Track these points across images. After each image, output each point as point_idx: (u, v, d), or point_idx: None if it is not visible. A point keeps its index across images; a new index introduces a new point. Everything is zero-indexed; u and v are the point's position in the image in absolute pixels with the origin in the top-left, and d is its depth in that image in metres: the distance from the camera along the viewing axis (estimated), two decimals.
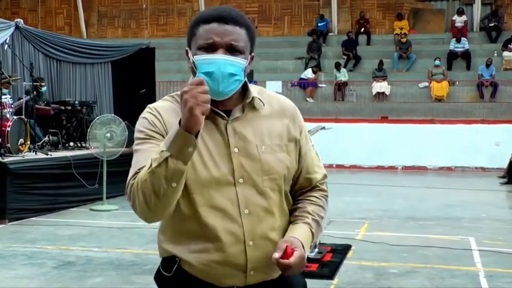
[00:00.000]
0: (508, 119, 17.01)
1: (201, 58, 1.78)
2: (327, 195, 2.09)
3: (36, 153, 10.05)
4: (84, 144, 11.69)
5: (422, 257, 6.85)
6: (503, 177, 14.49)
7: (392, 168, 17.42)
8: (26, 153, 9.82)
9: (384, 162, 17.24)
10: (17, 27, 12.37)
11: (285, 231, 1.93)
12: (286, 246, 1.81)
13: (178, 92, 1.79)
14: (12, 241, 7.49)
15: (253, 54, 1.90)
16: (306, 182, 2.03)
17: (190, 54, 1.87)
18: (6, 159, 8.93)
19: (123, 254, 6.84)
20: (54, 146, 11.39)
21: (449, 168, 17.27)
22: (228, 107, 1.87)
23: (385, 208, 10.26)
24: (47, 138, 11.41)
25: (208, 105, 1.64)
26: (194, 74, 1.81)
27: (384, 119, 17.89)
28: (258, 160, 1.85)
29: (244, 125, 1.87)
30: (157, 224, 1.97)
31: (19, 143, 9.73)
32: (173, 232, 1.91)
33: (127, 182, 1.78)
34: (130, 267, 6.23)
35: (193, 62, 1.81)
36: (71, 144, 12.14)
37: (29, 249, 7.04)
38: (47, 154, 10.18)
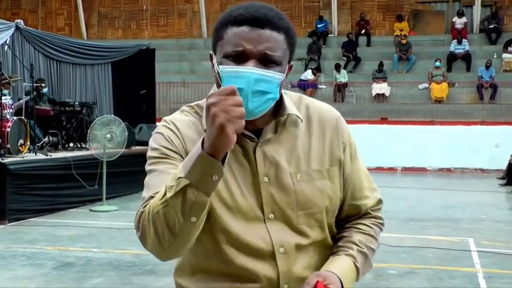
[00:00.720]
0: (508, 120, 17.01)
1: (228, 70, 1.41)
2: (381, 223, 1.71)
3: (36, 154, 10.06)
4: (84, 145, 11.69)
5: (421, 258, 6.85)
6: (502, 178, 14.48)
7: (391, 169, 17.43)
8: (26, 154, 9.81)
9: (383, 163, 17.23)
10: (17, 28, 12.38)
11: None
12: (317, 281, 1.46)
13: (200, 102, 1.58)
14: (12, 242, 7.48)
15: (292, 63, 1.56)
16: (353, 209, 1.65)
17: (214, 61, 1.50)
18: (6, 160, 8.92)
19: (122, 254, 6.84)
20: (54, 147, 11.39)
21: (448, 170, 17.28)
22: (258, 125, 1.50)
23: (384, 209, 10.08)
24: (46, 139, 11.41)
25: (243, 122, 1.29)
26: (218, 86, 1.45)
27: (384, 120, 17.91)
28: (292, 191, 1.49)
29: (277, 148, 1.52)
30: None
31: (19, 144, 9.73)
32: (192, 269, 1.56)
33: (137, 210, 1.44)
34: (130, 268, 6.22)
35: (218, 73, 1.45)
36: (71, 145, 12.14)
37: (28, 250, 7.03)
38: (47, 155, 10.19)
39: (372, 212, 1.68)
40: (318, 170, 1.54)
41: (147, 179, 1.50)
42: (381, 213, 1.71)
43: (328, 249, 1.59)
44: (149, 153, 1.52)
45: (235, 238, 1.47)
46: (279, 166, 1.51)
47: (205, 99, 1.45)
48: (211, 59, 1.52)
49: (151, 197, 1.40)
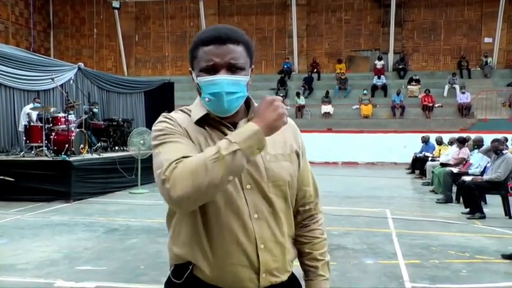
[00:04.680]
0: (412, 130, 17.14)
1: (205, 80, 1.31)
2: (321, 219, 1.57)
3: (92, 154, 9.99)
4: (125, 148, 11.61)
5: (354, 223, 6.87)
6: (408, 169, 14.62)
7: (335, 163, 17.49)
8: (85, 154, 9.74)
9: (329, 159, 17.31)
10: (79, 68, 12.39)
11: (291, 239, 1.45)
12: None
13: (190, 107, 1.44)
14: (75, 214, 7.42)
15: (253, 66, 1.40)
16: (301, 193, 1.51)
17: (194, 75, 1.37)
18: (71, 159, 8.84)
19: (152, 223, 6.80)
20: (104, 149, 11.35)
21: (373, 163, 17.38)
22: (235, 120, 1.38)
23: (329, 190, 10.28)
24: (99, 143, 11.36)
25: (283, 125, 1.24)
26: (199, 93, 1.37)
27: (329, 130, 17.96)
28: (263, 168, 1.36)
29: None
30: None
31: (80, 147, 9.67)
32: (187, 236, 1.36)
33: (166, 165, 1.22)
34: (157, 232, 6.20)
35: (198, 84, 1.35)
36: (116, 148, 12.07)
37: (86, 220, 6.98)
38: (99, 155, 10.13)
39: (315, 209, 1.54)
40: (282, 154, 1.41)
41: (163, 149, 1.28)
42: (320, 206, 1.58)
43: (291, 219, 1.44)
44: (156, 134, 1.33)
45: (222, 205, 1.31)
46: None
47: (192, 105, 1.42)
48: (191, 74, 1.39)
49: (184, 157, 1.22)
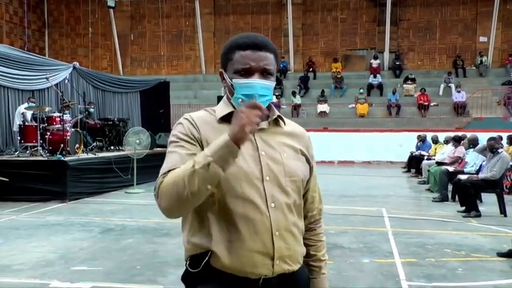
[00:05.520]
0: (408, 128, 17.20)
1: (240, 82, 1.41)
2: (322, 222, 1.70)
3: (87, 154, 9.93)
4: (120, 148, 11.58)
5: (350, 222, 6.89)
6: (404, 167, 14.66)
7: (331, 162, 17.51)
8: (80, 154, 9.70)
9: (325, 158, 17.31)
10: (74, 68, 12.34)
11: (302, 233, 1.53)
12: None
13: (214, 108, 1.52)
14: (71, 214, 7.39)
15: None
16: (310, 199, 1.61)
17: (226, 76, 1.47)
18: (67, 158, 8.79)
19: (147, 222, 6.77)
20: (100, 149, 11.30)
21: (369, 162, 17.42)
22: None
23: (326, 189, 10.27)
24: (95, 143, 11.31)
25: (257, 126, 1.29)
26: (231, 93, 1.46)
27: (325, 129, 17.99)
28: (281, 163, 1.45)
29: (269, 136, 1.48)
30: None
31: (75, 147, 9.63)
32: (206, 227, 1.42)
33: (158, 179, 1.36)
34: (152, 232, 6.17)
35: (232, 85, 1.43)
36: (112, 147, 12.03)
37: (82, 220, 6.95)
38: (95, 154, 10.08)
39: (321, 215, 1.67)
40: (295, 154, 1.52)
41: (168, 157, 1.42)
42: (322, 214, 1.68)
43: (302, 217, 1.53)
44: (171, 138, 1.46)
45: (240, 193, 1.39)
46: (271, 146, 1.47)
47: (217, 105, 1.51)
48: (222, 75, 1.49)
49: (169, 171, 1.34)
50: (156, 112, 14.75)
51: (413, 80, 20.15)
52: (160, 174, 1.36)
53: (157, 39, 23.89)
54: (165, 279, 4.29)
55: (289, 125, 1.58)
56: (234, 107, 1.45)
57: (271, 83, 1.43)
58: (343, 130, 17.70)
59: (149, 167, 9.68)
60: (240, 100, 1.40)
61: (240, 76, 1.41)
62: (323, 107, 19.31)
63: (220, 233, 1.39)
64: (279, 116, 1.52)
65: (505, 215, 7.40)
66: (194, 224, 1.45)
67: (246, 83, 1.40)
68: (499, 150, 7.64)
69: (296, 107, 19.50)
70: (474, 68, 20.93)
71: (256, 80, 1.39)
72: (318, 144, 18.20)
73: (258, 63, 1.41)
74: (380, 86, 20.28)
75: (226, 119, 1.44)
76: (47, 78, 10.14)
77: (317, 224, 1.65)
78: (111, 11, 22.63)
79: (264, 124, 1.47)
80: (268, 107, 1.50)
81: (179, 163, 1.35)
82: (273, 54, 1.46)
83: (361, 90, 19.40)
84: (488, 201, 8.24)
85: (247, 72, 1.41)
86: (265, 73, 1.42)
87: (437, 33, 21.83)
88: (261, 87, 1.39)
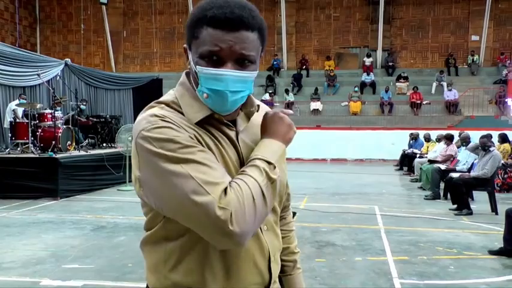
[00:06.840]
0: (400, 127, 17.26)
1: (206, 72, 1.03)
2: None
3: (79, 151, 9.87)
4: (113, 145, 11.52)
5: (343, 220, 6.89)
6: (396, 165, 14.70)
7: (323, 160, 17.55)
8: (72, 151, 9.63)
9: (318, 156, 17.36)
10: (66, 64, 12.26)
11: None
12: None
13: (171, 99, 1.12)
14: (62, 212, 7.33)
15: (262, 54, 1.12)
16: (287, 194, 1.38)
17: (190, 57, 1.09)
18: (58, 155, 8.72)
19: (139, 220, 6.72)
20: (92, 146, 11.22)
21: (361, 160, 17.47)
22: (234, 116, 1.14)
23: (318, 187, 10.32)
24: (87, 140, 11.24)
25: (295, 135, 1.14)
26: (194, 79, 1.09)
27: (318, 127, 18.01)
28: None
29: (248, 135, 1.16)
30: None
31: (67, 144, 9.56)
32: (195, 262, 1.07)
33: (217, 191, 0.96)
34: None
35: (196, 73, 1.06)
36: (104, 144, 11.95)
37: (74, 218, 6.90)
38: (87, 151, 10.00)
39: (289, 202, 1.45)
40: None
41: (190, 168, 0.97)
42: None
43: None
44: (169, 146, 0.98)
45: None
46: (253, 149, 1.12)
47: (176, 98, 1.11)
48: (186, 52, 1.11)
49: (231, 181, 1.00)
50: None
51: (405, 78, 20.22)
52: (220, 186, 0.97)
53: (150, 36, 23.78)
54: None
55: (260, 114, 1.20)
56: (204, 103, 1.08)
57: (249, 74, 1.05)
58: (336, 128, 17.73)
59: None
60: (205, 95, 1.04)
61: (206, 63, 1.03)
62: (316, 105, 19.33)
63: (214, 269, 1.07)
64: (259, 105, 1.21)
65: (496, 213, 7.44)
66: (176, 259, 1.08)
67: (213, 74, 1.02)
68: (491, 149, 7.68)
69: (289, 105, 19.49)
70: (466, 66, 21.05)
71: (227, 71, 1.02)
72: (310, 142, 18.27)
73: (231, 48, 1.01)
74: (373, 84, 20.33)
75: (204, 121, 1.08)
76: (38, 75, 10.04)
77: (287, 212, 1.42)
78: (104, 7, 22.47)
79: (242, 121, 1.16)
80: (247, 100, 1.15)
81: (222, 170, 1.02)
82: (257, 33, 1.05)
83: (356, 89, 19.45)
84: (480, 199, 8.28)
85: (216, 59, 1.02)
86: (241, 61, 1.03)
87: (429, 31, 21.92)
88: (234, 80, 1.03)
